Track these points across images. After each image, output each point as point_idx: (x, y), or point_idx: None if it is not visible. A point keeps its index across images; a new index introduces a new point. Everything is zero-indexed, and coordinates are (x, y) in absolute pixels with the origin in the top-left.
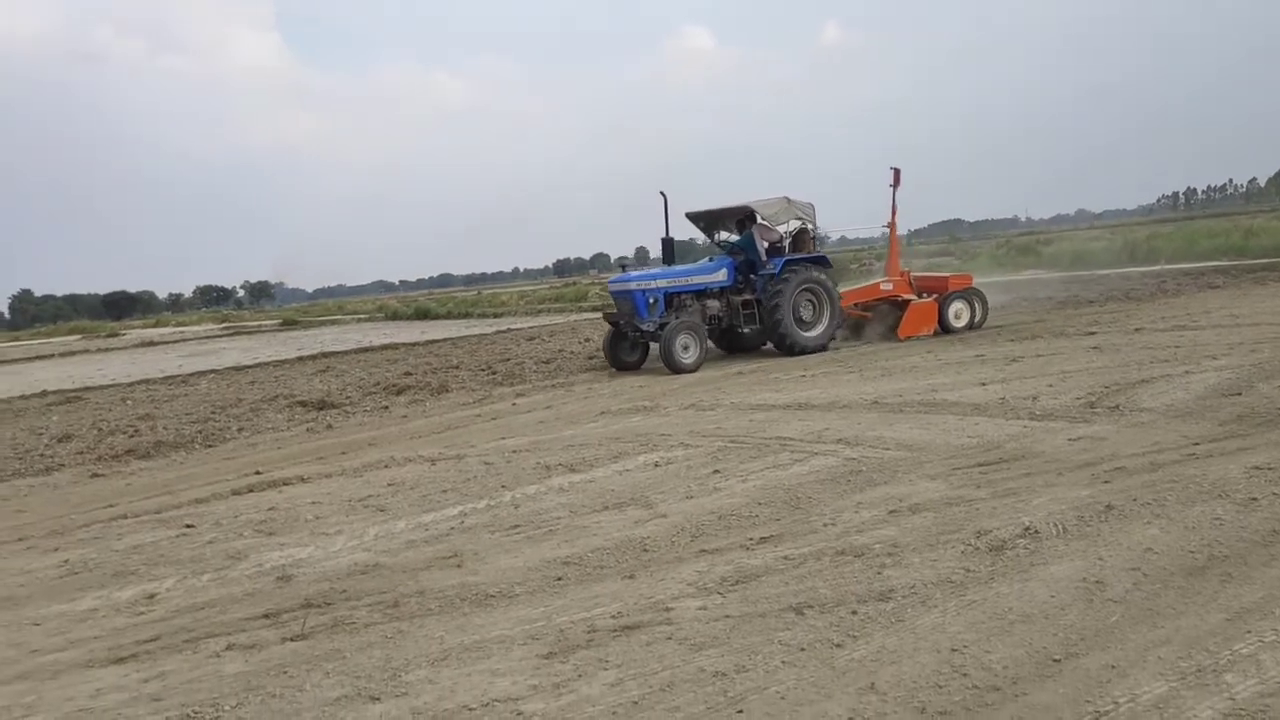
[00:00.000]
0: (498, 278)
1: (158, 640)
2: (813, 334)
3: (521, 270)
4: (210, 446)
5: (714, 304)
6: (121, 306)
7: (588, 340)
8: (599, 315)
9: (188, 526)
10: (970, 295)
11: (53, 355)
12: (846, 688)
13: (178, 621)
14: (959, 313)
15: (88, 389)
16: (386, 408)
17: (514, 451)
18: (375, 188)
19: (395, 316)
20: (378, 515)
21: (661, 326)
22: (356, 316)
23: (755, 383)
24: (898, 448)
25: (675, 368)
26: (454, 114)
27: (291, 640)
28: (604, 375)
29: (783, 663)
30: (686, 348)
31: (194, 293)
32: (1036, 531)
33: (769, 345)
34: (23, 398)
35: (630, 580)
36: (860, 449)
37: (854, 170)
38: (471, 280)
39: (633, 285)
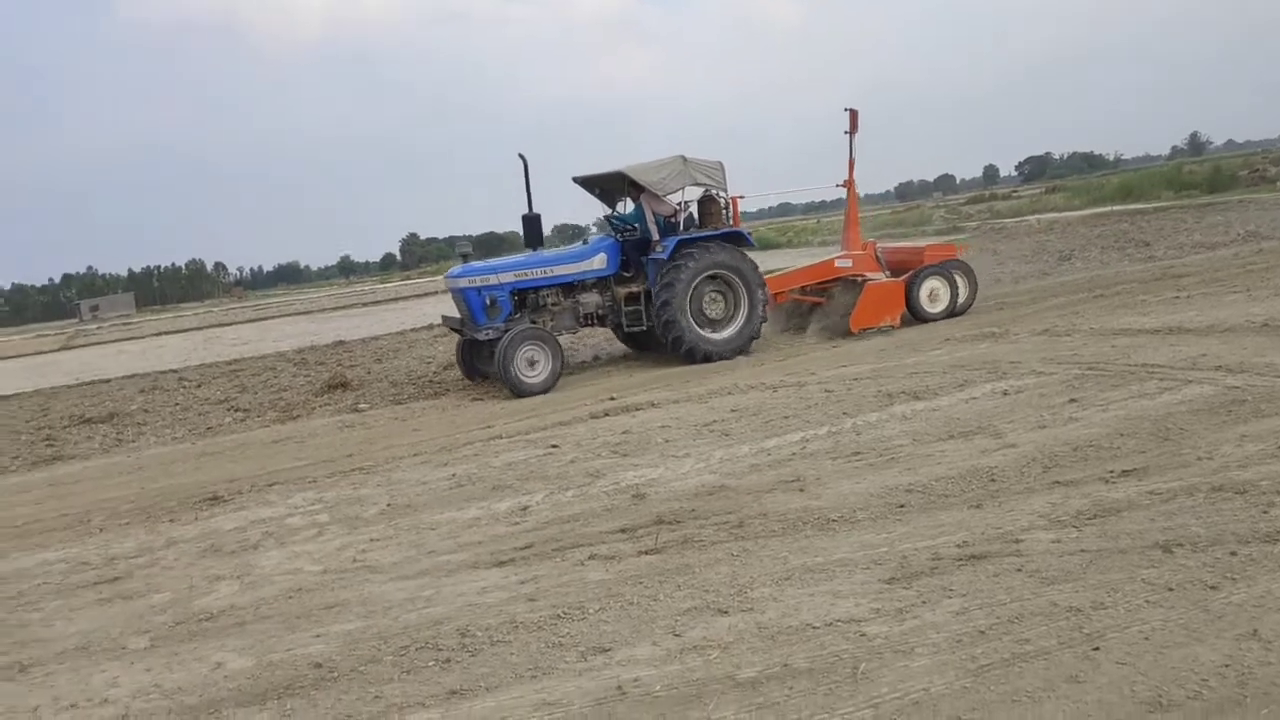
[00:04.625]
0: (837, 205)
1: (531, 548)
2: (722, 335)
3: (863, 196)
4: (570, 374)
5: (591, 299)
6: (491, 245)
7: None
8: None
9: (553, 447)
10: (951, 270)
11: (436, 292)
12: (1222, 633)
13: (547, 532)
14: (935, 293)
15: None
16: None
17: (854, 379)
18: (713, 120)
19: None
20: (722, 440)
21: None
22: None
23: (1118, 305)
24: None
25: (516, 389)
26: (789, 37)
27: (646, 554)
28: None
29: (1147, 602)
30: (533, 363)
31: (552, 231)
32: None
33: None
34: (414, 330)
35: (976, 510)
36: (1245, 376)
37: None
38: (810, 209)
39: (463, 282)
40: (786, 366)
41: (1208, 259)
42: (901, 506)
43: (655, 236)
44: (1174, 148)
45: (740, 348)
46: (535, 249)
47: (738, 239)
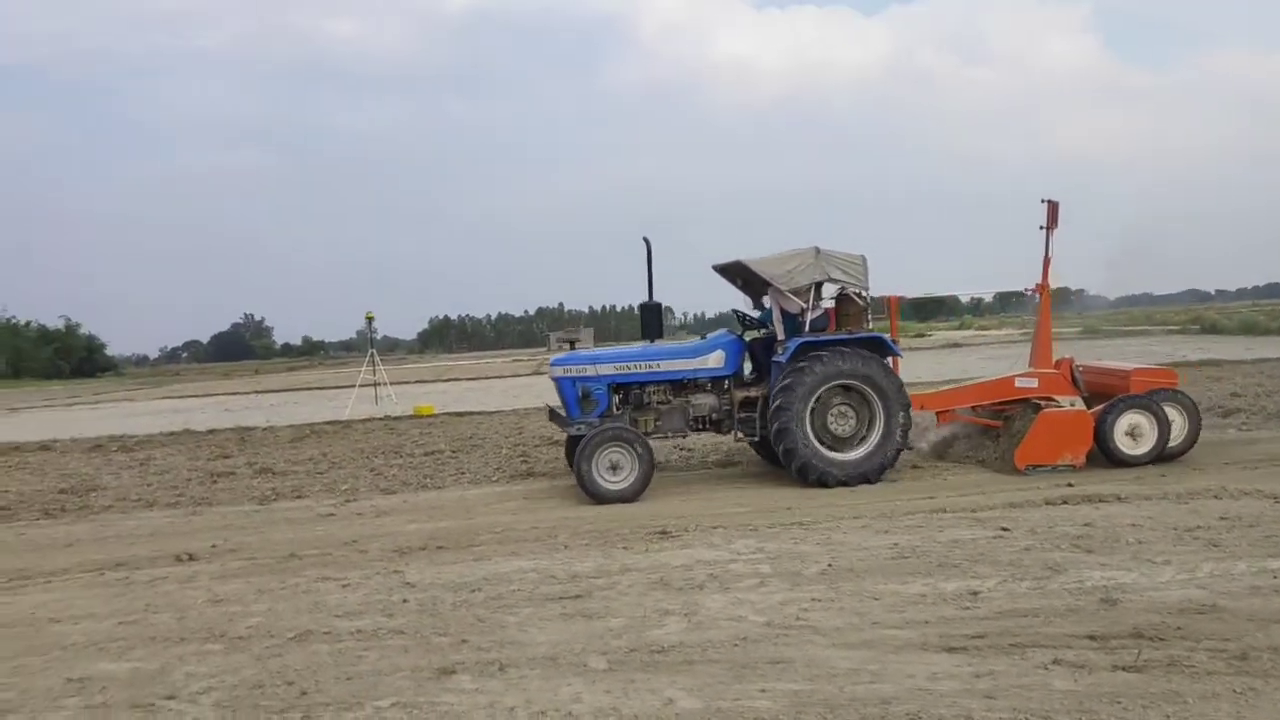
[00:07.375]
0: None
1: (984, 638)
2: (846, 456)
3: (1265, 285)
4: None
5: (705, 400)
6: (928, 309)
7: None
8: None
9: (1003, 529)
10: (1162, 402)
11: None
12: None
13: (1001, 623)
14: (1137, 430)
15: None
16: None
17: None
18: (1192, 188)
19: (1214, 329)
20: (1210, 550)
21: None
22: (1166, 328)
23: None
24: None
25: (594, 495)
26: None
27: (1123, 669)
28: None
29: None
30: (615, 467)
31: (994, 298)
32: None
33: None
34: None
35: None
36: None
37: None
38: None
39: (559, 371)
40: None
41: None
42: None
43: (780, 336)
44: None
45: (867, 474)
46: (654, 341)
47: (877, 344)
